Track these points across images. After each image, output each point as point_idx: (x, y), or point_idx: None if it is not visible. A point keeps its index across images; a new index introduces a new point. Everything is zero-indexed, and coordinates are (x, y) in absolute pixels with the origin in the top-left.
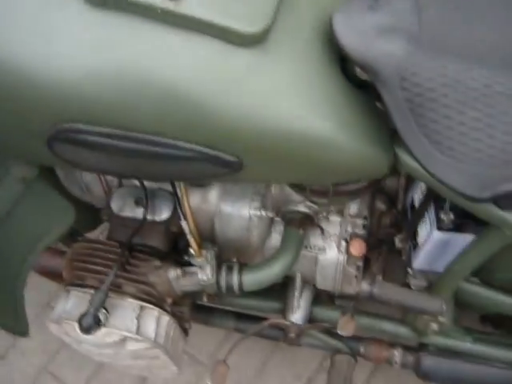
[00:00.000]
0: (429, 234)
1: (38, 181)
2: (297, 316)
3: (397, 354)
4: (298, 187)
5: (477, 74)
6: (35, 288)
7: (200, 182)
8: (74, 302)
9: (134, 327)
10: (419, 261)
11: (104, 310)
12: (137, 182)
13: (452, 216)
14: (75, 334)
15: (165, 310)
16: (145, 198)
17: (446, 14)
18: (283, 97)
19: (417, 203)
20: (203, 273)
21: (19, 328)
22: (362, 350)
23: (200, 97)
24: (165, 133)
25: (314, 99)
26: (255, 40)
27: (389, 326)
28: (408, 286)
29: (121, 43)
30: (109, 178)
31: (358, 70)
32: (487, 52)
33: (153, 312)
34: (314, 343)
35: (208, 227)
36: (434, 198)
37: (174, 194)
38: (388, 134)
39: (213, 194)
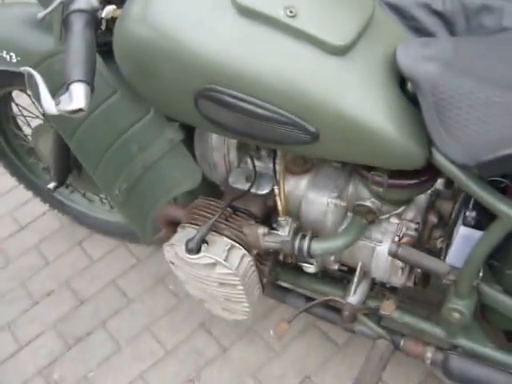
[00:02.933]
0: (457, 231)
1: (181, 145)
2: (353, 298)
3: (429, 352)
4: (363, 176)
5: (484, 89)
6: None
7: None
8: (185, 233)
9: (224, 255)
10: (450, 257)
11: (205, 243)
12: (250, 165)
13: (474, 214)
14: (181, 254)
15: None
16: (253, 175)
17: (477, 54)
18: (355, 90)
19: None
20: (283, 230)
21: (144, 239)
22: (401, 343)
23: (299, 83)
24: (272, 101)
25: (376, 97)
26: (342, 51)
27: (426, 326)
28: None
29: (250, 40)
30: (231, 159)
31: (409, 85)
32: (499, 80)
33: (240, 250)
34: (364, 331)
35: (296, 208)
36: (464, 199)
37: (273, 168)
38: (426, 135)
39: (303, 183)
